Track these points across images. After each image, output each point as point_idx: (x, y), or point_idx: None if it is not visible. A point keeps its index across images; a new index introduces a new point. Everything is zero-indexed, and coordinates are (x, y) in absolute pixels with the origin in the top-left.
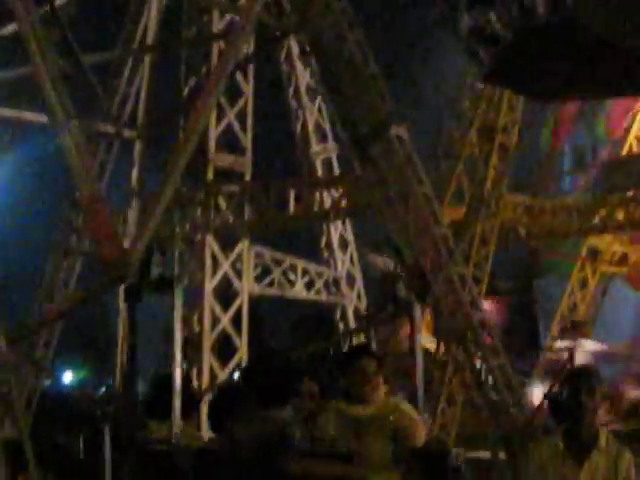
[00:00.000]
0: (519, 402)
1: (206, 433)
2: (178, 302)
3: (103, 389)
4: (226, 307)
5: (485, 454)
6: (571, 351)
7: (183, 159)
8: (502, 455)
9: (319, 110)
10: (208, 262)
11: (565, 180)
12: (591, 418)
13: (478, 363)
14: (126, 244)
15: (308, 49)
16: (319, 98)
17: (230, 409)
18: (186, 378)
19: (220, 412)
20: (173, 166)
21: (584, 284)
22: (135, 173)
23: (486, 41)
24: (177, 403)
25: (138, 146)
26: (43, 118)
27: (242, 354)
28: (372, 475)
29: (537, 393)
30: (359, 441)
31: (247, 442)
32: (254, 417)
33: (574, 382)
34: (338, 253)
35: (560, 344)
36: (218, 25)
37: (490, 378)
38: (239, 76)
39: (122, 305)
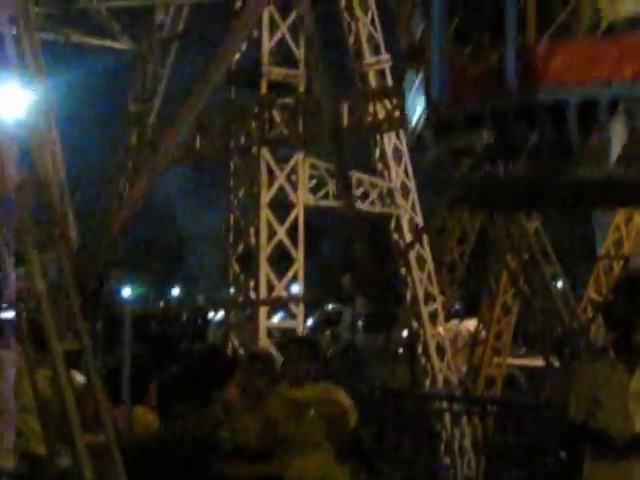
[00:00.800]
0: (572, 311)
1: None
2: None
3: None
4: (282, 219)
5: (539, 362)
6: (626, 258)
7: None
8: (556, 363)
9: (372, 22)
10: (264, 175)
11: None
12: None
13: (531, 272)
14: None
15: None
16: (372, 9)
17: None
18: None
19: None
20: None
21: None
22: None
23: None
24: None
25: None
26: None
27: (298, 265)
28: (307, 454)
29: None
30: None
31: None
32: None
33: (629, 288)
34: (392, 164)
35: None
36: None
37: (543, 287)
38: None
39: None
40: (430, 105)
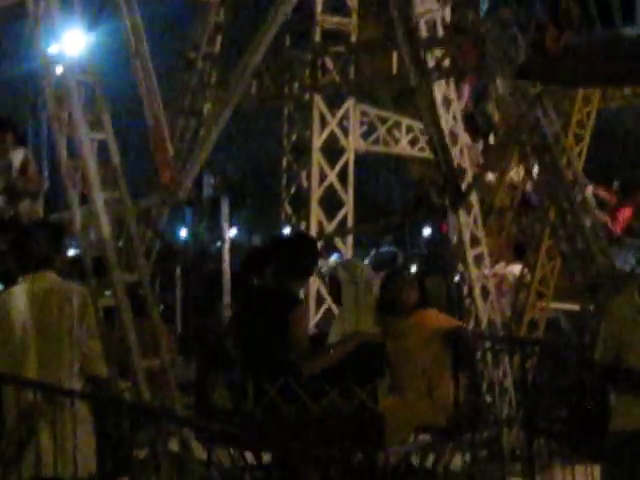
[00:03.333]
0: (604, 252)
1: None
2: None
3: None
4: (333, 164)
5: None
6: None
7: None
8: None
9: None
10: (316, 121)
11: None
12: None
13: (569, 219)
14: None
15: None
16: None
17: None
18: None
19: None
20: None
21: None
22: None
23: None
24: None
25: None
26: None
27: (348, 208)
28: None
29: None
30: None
31: None
32: None
33: None
34: (442, 111)
35: None
36: None
37: (578, 233)
38: None
39: None
40: None
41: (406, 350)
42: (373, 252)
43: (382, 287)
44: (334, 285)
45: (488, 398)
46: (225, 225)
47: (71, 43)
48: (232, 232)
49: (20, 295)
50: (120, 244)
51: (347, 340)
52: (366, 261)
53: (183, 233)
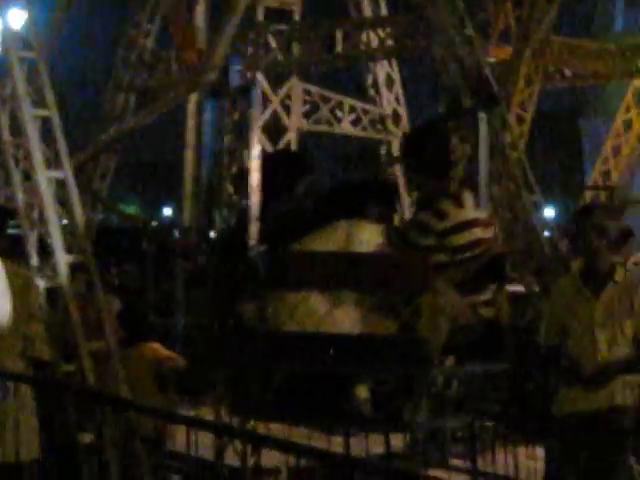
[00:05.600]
0: (554, 239)
1: None
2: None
3: (154, 223)
4: (275, 143)
5: (521, 288)
6: (611, 189)
7: None
8: (535, 288)
9: None
10: (258, 99)
11: (618, 20)
12: (603, 255)
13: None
14: None
15: None
16: None
17: None
18: None
19: None
20: None
21: (629, 126)
22: None
23: None
24: None
25: None
26: None
27: None
28: None
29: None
30: None
31: None
32: None
33: (582, 221)
34: (384, 91)
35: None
36: None
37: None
38: None
39: (192, 109)
40: None
41: None
42: None
43: None
44: None
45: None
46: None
47: (13, 18)
48: (168, 211)
49: None
50: (64, 222)
51: None
52: None
53: (167, 212)
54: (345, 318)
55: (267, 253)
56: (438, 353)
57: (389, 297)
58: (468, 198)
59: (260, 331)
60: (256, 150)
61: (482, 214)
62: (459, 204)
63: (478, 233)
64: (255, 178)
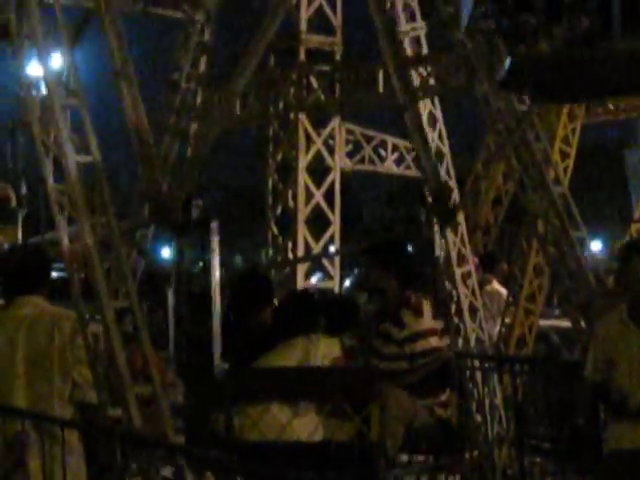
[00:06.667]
0: (596, 272)
1: None
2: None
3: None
4: (319, 183)
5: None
6: None
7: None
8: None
9: None
10: (301, 140)
11: None
12: None
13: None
14: None
15: None
16: None
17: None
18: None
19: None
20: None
21: None
22: None
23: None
24: None
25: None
26: None
27: (335, 227)
28: None
29: None
30: None
31: None
32: None
33: (629, 256)
34: (427, 129)
35: None
36: None
37: (570, 249)
38: None
39: None
40: None
41: None
42: (356, 271)
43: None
44: None
45: (478, 417)
46: (215, 254)
47: (55, 64)
48: None
49: (6, 321)
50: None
51: None
52: (348, 281)
53: (165, 253)
54: (304, 427)
55: (232, 371)
56: (394, 454)
57: (342, 406)
58: (427, 309)
59: (227, 440)
60: (301, 191)
61: (438, 324)
62: (419, 314)
63: (433, 342)
64: (301, 218)
